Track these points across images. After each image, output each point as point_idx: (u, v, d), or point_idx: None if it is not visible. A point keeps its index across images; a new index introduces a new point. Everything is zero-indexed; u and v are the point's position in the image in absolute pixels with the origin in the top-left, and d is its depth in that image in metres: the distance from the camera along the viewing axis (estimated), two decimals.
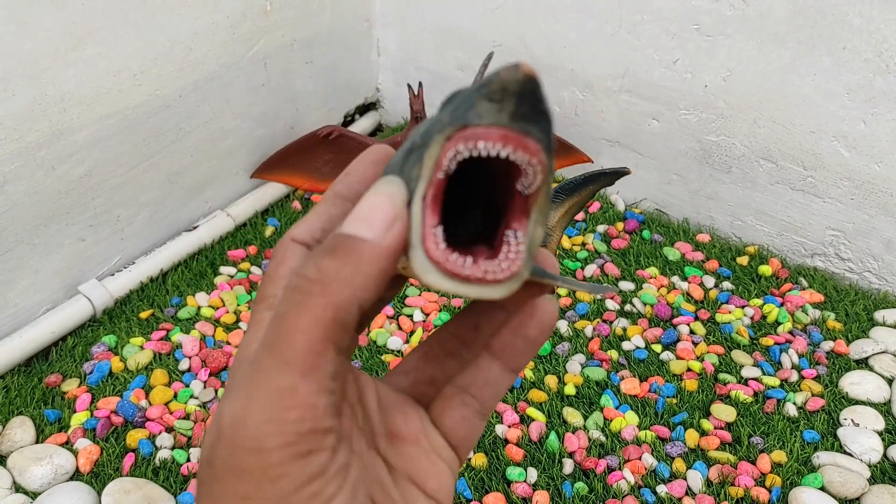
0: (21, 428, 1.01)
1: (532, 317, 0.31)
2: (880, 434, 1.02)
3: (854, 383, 1.09)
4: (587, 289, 0.31)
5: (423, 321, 1.20)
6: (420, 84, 1.38)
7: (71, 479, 0.96)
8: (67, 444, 1.00)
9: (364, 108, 1.73)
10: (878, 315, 1.21)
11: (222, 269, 1.31)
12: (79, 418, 1.03)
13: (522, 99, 0.25)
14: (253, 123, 1.41)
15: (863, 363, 1.13)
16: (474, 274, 0.27)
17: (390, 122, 1.75)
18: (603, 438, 1.01)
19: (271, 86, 1.44)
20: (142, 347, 1.14)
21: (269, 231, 1.40)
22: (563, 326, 1.19)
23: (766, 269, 1.30)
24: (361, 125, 1.71)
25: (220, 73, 1.30)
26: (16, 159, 1.02)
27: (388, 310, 1.22)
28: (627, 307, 1.23)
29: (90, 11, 1.05)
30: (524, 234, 0.27)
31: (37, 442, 1.00)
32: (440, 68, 1.62)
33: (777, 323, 1.19)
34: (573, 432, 1.02)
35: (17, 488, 0.95)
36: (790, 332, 1.18)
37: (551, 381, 1.09)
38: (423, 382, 0.36)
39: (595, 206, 1.45)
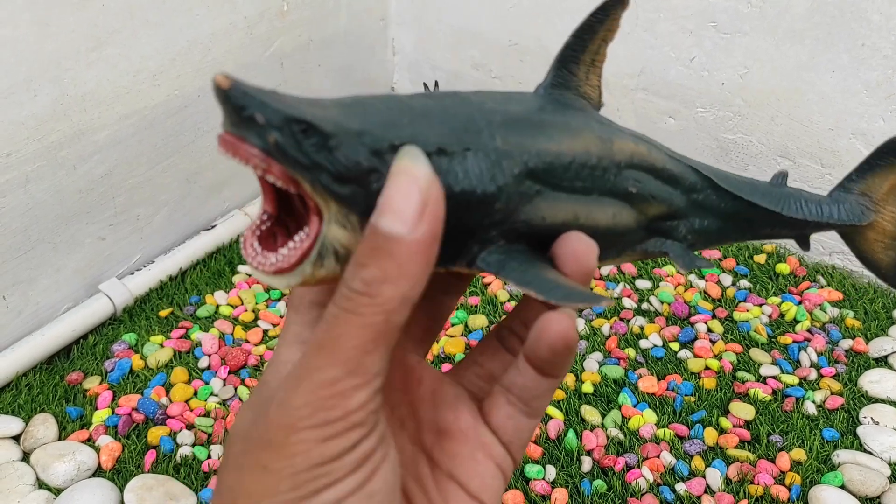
0: (44, 425, 1.02)
1: (540, 336, 0.30)
2: None
3: (873, 381, 1.08)
4: (569, 300, 0.30)
5: None
6: (436, 83, 1.39)
7: (93, 475, 0.97)
8: (89, 441, 1.01)
9: None
10: None
11: (240, 267, 1.32)
12: (100, 415, 1.04)
13: (226, 108, 0.27)
14: None
15: (882, 361, 1.13)
16: (252, 263, 0.29)
17: None
18: (621, 436, 1.01)
19: (288, 86, 1.44)
20: (162, 345, 1.15)
21: None
22: (580, 325, 1.19)
23: (783, 268, 1.30)
24: None
25: (238, 72, 1.30)
26: (38, 159, 1.03)
27: None
28: (645, 305, 1.23)
29: (110, 13, 1.06)
30: (310, 233, 0.29)
31: (59, 439, 1.01)
32: (455, 67, 1.62)
33: (795, 321, 1.19)
34: (591, 430, 1.02)
35: (41, 485, 0.96)
36: (808, 331, 1.17)
37: (569, 378, 1.09)
38: (481, 377, 0.36)
39: None
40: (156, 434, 1.01)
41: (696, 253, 0.39)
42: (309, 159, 0.28)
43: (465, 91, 0.33)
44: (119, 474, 0.97)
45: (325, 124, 0.28)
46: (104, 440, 1.01)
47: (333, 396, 0.27)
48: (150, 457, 0.99)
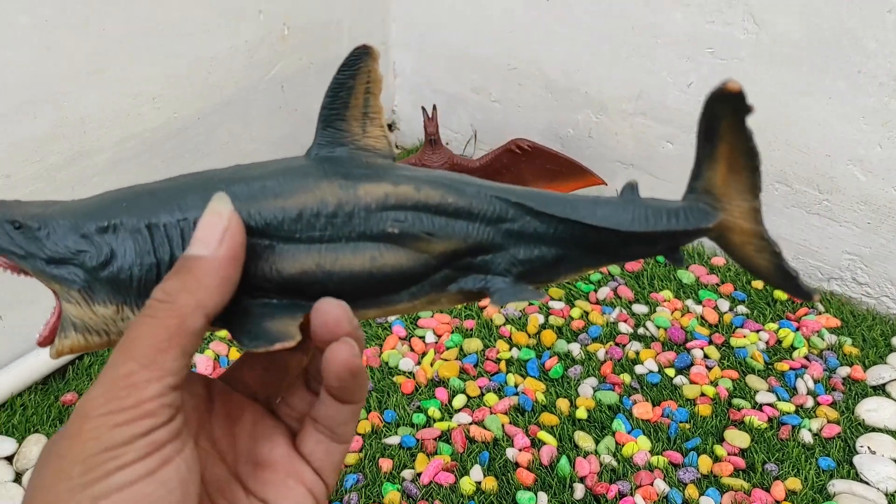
0: (37, 446, 1.02)
1: (328, 367, 0.33)
2: None
3: (871, 410, 1.08)
4: (255, 342, 0.33)
5: (436, 343, 1.21)
6: (434, 107, 1.40)
7: None
8: None
9: None
10: None
11: None
12: None
13: None
14: (271, 146, 1.43)
15: (880, 390, 1.12)
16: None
17: (406, 144, 1.77)
18: (615, 463, 1.01)
19: (288, 108, 1.45)
20: None
21: None
22: (575, 350, 1.18)
23: (781, 294, 1.29)
24: None
25: (239, 96, 1.32)
26: (37, 181, 1.04)
27: (401, 331, 1.22)
28: (641, 330, 1.22)
29: (111, 36, 1.07)
30: (55, 311, 0.35)
31: None
32: (456, 90, 1.63)
33: (793, 348, 1.18)
34: (584, 457, 1.01)
35: None
36: (806, 358, 1.17)
37: (563, 404, 1.09)
38: (292, 417, 0.39)
39: None
40: None
41: (540, 287, 0.38)
42: (23, 249, 0.34)
43: (242, 165, 0.37)
44: None
45: (32, 220, 0.34)
46: None
47: (127, 387, 0.29)
48: None
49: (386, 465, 1.01)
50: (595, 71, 1.41)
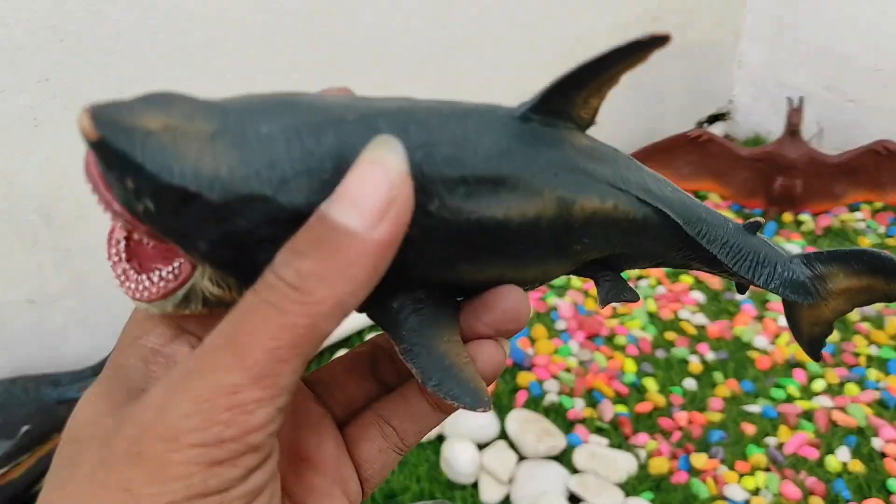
0: None
1: (482, 367, 0.28)
2: None
3: None
4: (454, 396, 0.27)
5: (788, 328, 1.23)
6: (801, 99, 1.40)
7: None
8: None
9: (714, 118, 1.78)
10: None
11: None
12: None
13: (95, 153, 0.24)
14: (621, 118, 1.51)
15: None
16: (119, 282, 0.27)
17: (739, 135, 1.78)
18: None
19: (641, 87, 1.52)
20: None
21: None
22: None
23: None
24: None
25: None
26: None
27: (752, 310, 1.26)
28: None
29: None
30: (179, 277, 0.26)
31: None
32: (805, 87, 1.62)
33: None
34: None
35: None
36: None
37: None
38: (341, 403, 0.32)
39: None
40: (525, 378, 1.12)
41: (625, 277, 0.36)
42: (185, 229, 0.24)
43: (416, 99, 0.28)
44: (495, 405, 1.09)
45: (210, 192, 0.23)
46: None
47: (232, 408, 0.22)
48: (521, 396, 1.10)
49: (749, 428, 1.05)
50: None
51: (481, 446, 1.02)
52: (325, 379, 0.32)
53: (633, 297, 0.34)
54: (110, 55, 0.90)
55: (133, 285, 0.27)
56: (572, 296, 1.28)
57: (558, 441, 1.02)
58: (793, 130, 1.41)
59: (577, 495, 0.96)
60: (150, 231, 0.25)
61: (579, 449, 1.02)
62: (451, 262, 0.28)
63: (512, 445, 1.03)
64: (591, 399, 1.11)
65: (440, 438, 1.04)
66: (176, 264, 0.26)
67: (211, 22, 0.95)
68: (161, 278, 0.26)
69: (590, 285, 1.31)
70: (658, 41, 0.28)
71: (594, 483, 0.97)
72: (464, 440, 1.01)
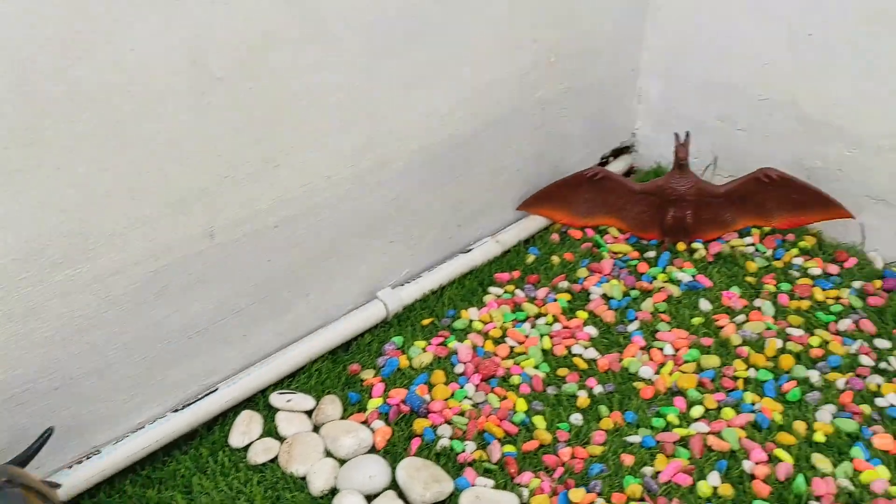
0: (332, 405, 1.22)
1: None
2: None
3: None
4: None
5: (674, 355, 1.29)
6: (687, 133, 1.47)
7: (369, 452, 1.15)
8: (365, 423, 1.19)
9: (618, 151, 1.84)
10: None
11: (490, 288, 1.47)
12: (374, 403, 1.22)
13: None
14: (525, 161, 1.57)
15: None
16: None
17: (643, 166, 1.85)
18: (852, 487, 1.04)
19: (545, 128, 1.59)
20: (424, 349, 1.32)
21: (530, 259, 1.54)
22: (814, 376, 1.22)
23: None
24: (615, 167, 1.81)
25: (507, 115, 1.47)
26: (350, 182, 1.25)
27: (640, 341, 1.32)
28: (883, 365, 1.24)
29: (418, 63, 1.26)
30: None
31: (342, 418, 1.20)
32: (699, 117, 1.69)
33: None
34: (822, 477, 1.06)
35: (328, 454, 1.15)
36: None
37: (800, 426, 1.14)
38: None
39: (852, 262, 1.46)
40: (420, 425, 1.18)
41: None
42: None
43: None
44: (389, 454, 1.14)
45: None
46: (377, 424, 1.19)
47: None
48: (415, 443, 1.15)
49: (628, 459, 1.11)
50: (854, 106, 1.42)
51: (371, 497, 1.07)
52: None
53: None
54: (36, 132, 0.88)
55: None
56: (472, 338, 1.34)
57: (445, 487, 1.07)
58: (681, 164, 1.47)
59: None
60: None
61: (466, 493, 1.07)
62: None
63: (401, 495, 1.08)
64: (483, 441, 1.16)
65: (333, 492, 1.09)
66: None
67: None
68: None
69: (491, 326, 1.37)
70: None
71: None
72: (354, 493, 1.07)
